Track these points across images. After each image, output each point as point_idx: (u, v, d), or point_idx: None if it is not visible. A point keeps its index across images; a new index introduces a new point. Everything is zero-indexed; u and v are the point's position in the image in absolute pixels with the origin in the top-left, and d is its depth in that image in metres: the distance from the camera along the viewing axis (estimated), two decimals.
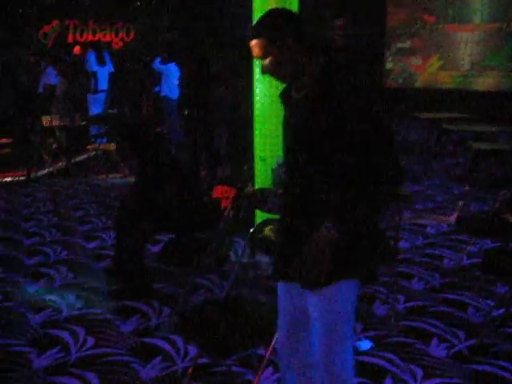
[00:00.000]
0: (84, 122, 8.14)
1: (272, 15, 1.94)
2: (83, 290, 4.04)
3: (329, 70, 1.91)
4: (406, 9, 12.77)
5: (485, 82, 12.08)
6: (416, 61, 12.88)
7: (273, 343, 2.36)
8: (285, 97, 2.08)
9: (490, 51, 11.99)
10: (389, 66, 13.13)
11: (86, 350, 3.19)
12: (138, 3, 12.52)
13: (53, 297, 3.92)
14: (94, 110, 8.80)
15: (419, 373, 2.94)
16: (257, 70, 4.43)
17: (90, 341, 3.30)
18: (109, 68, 9.29)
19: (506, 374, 2.91)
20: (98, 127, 8.53)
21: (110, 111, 9.16)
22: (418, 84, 12.92)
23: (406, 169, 8.06)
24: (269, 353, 2.48)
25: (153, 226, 3.79)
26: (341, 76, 1.90)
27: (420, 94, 12.22)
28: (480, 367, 2.98)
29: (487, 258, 3.44)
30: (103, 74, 9.03)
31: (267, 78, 4.48)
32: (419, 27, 12.70)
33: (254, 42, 1.91)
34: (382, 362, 3.03)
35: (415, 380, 2.88)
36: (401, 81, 13.10)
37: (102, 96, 8.92)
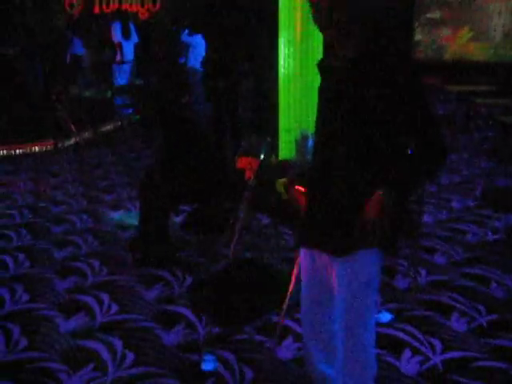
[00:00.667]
0: (110, 93, 8.18)
1: None
2: (108, 258, 4.12)
3: (374, 40, 1.85)
4: None
5: None
6: (446, 32, 12.60)
7: (284, 309, 2.40)
8: (322, 67, 2.01)
9: None
10: (418, 37, 12.85)
11: (111, 316, 3.28)
12: None
13: (79, 263, 4.02)
14: (120, 80, 8.82)
15: (438, 345, 2.95)
16: (282, 44, 4.41)
17: (114, 307, 3.38)
18: (134, 39, 9.28)
19: None
20: (123, 98, 8.56)
21: (136, 82, 9.17)
22: (447, 56, 12.65)
23: None
24: (282, 319, 2.52)
25: (177, 195, 3.83)
26: (386, 47, 1.84)
27: (449, 66, 11.98)
28: (499, 342, 2.98)
29: (510, 234, 3.40)
30: (128, 44, 9.02)
31: (293, 52, 4.48)
32: None
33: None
34: (401, 335, 3.05)
35: (434, 352, 2.89)
36: (430, 52, 12.83)
37: (127, 67, 8.93)
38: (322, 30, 1.87)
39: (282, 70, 4.44)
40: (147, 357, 2.88)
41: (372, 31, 1.86)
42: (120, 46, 8.84)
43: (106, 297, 3.51)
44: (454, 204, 5.29)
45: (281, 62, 4.42)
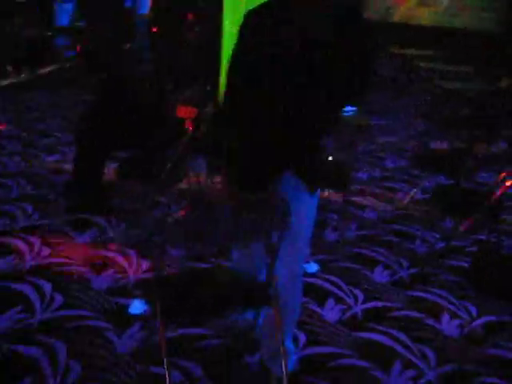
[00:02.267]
0: (50, 33, 7.86)
1: None
2: (41, 201, 4.06)
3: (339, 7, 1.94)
4: None
5: (463, 21, 12.02)
6: None
7: None
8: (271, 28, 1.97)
9: None
10: None
11: (41, 259, 3.26)
12: None
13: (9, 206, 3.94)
14: (61, 20, 8.47)
15: (360, 296, 3.10)
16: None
17: (45, 250, 3.36)
18: None
19: (442, 301, 3.10)
20: (64, 39, 8.25)
21: (77, 23, 8.84)
22: (395, 18, 12.78)
23: (373, 102, 8.12)
24: None
25: (113, 141, 3.78)
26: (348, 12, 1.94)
27: (396, 29, 12.11)
28: (417, 293, 3.16)
29: (436, 194, 3.56)
30: None
31: (238, 6, 4.43)
32: None
33: None
34: (326, 285, 3.18)
35: (356, 302, 3.04)
36: (377, 15, 12.90)
37: (69, 6, 8.58)
38: None
39: (226, 23, 4.41)
40: (75, 299, 2.89)
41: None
42: None
43: (36, 240, 3.47)
44: (388, 163, 5.45)
45: (226, 15, 4.38)
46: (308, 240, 2.30)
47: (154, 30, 6.52)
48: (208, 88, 3.63)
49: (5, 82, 7.65)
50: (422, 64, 8.10)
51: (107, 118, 3.82)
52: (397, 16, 12.79)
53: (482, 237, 3.78)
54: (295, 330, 2.55)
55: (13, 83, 7.64)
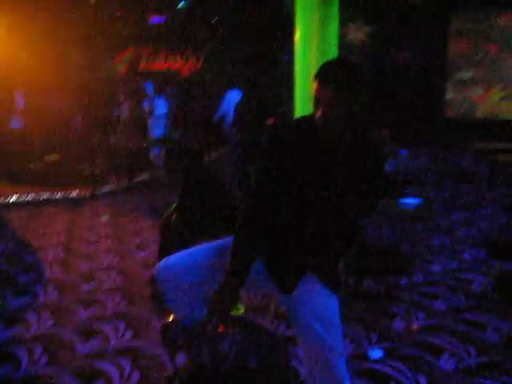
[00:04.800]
0: (146, 144, 8.73)
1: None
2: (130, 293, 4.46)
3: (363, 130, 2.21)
4: (467, 38, 12.79)
5: None
6: (478, 91, 12.86)
7: None
8: (315, 143, 2.17)
9: None
10: (449, 95, 13.13)
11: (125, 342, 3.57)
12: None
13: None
14: (156, 132, 9.39)
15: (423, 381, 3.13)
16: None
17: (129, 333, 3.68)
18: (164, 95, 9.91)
19: None
20: (159, 149, 9.09)
21: (172, 135, 9.73)
22: (478, 114, 12.87)
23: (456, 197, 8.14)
24: None
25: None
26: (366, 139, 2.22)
27: (480, 125, 12.18)
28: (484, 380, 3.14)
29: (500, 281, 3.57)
30: (159, 100, 9.60)
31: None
32: (482, 57, 12.69)
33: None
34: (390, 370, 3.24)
35: None
36: (462, 111, 13.08)
37: (162, 120, 9.50)
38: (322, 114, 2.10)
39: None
40: None
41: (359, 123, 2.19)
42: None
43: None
44: (466, 255, 5.44)
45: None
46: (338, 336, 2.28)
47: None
48: None
49: (106, 189, 8.49)
50: (500, 157, 8.08)
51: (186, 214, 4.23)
52: (480, 112, 12.89)
53: None
54: None
55: (113, 190, 8.45)
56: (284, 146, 2.19)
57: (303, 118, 2.25)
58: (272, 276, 2.31)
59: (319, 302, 2.23)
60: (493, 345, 3.57)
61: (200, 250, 2.45)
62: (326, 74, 2.04)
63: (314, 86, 2.05)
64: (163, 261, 2.40)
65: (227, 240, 2.33)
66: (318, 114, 2.05)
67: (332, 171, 2.16)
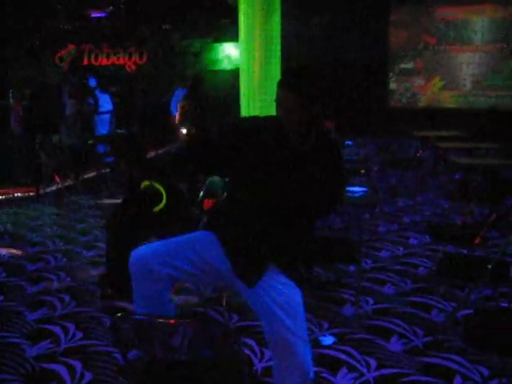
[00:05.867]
0: (91, 141, 8.56)
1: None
2: (78, 291, 4.39)
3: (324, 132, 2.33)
4: (407, 30, 13.10)
5: (486, 101, 12.41)
6: (419, 81, 13.21)
7: None
8: (274, 139, 2.30)
9: (492, 71, 12.31)
10: (392, 86, 13.43)
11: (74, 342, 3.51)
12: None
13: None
14: (101, 130, 9.22)
15: (373, 364, 3.21)
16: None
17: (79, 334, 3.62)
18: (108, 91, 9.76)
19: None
20: (105, 146, 8.93)
21: (117, 131, 9.57)
22: (421, 104, 13.22)
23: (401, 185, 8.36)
24: None
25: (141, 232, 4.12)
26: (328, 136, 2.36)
27: (423, 114, 12.53)
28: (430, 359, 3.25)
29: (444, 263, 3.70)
30: (104, 96, 9.43)
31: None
32: (422, 48, 13.03)
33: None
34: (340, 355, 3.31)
35: (368, 370, 3.15)
36: (404, 101, 13.40)
37: (106, 117, 9.33)
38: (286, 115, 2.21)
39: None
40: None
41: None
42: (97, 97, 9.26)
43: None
44: (411, 241, 5.60)
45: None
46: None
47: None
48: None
49: (51, 188, 8.29)
50: (442, 144, 8.33)
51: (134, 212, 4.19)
52: (422, 102, 13.24)
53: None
54: None
55: (59, 189, 8.26)
56: (244, 130, 2.36)
57: (271, 116, 2.37)
58: (236, 270, 2.34)
59: (283, 291, 2.27)
60: (438, 325, 3.70)
61: (174, 241, 2.45)
62: (285, 80, 2.19)
63: (276, 90, 2.18)
64: (136, 251, 2.38)
65: (197, 234, 2.45)
66: (280, 116, 2.20)
67: (292, 161, 2.26)
